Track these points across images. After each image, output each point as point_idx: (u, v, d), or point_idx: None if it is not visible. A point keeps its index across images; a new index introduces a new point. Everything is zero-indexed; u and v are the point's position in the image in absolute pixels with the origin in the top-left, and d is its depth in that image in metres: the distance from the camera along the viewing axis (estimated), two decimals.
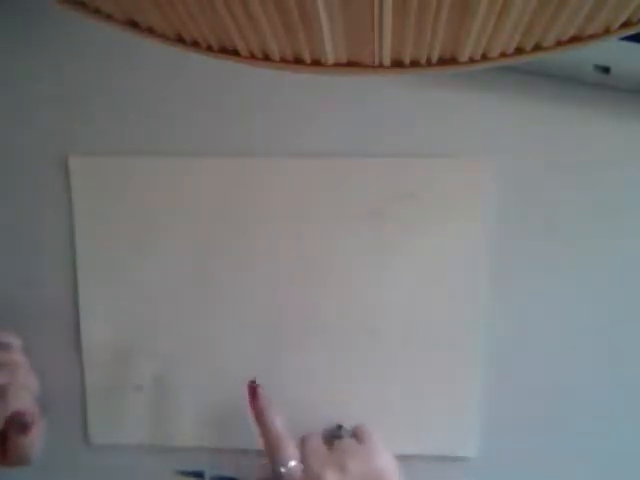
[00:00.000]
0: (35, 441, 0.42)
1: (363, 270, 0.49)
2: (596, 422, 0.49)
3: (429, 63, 0.23)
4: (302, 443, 0.46)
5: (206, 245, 0.50)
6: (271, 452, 0.45)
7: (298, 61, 0.23)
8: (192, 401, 0.51)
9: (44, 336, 0.51)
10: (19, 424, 0.41)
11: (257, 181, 0.49)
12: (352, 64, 0.24)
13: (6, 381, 0.42)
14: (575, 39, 0.23)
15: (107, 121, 0.50)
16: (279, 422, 0.46)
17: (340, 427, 0.49)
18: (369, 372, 0.50)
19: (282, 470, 0.44)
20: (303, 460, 0.45)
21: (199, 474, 0.51)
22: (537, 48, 0.23)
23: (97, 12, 0.24)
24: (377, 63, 0.23)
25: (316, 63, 0.23)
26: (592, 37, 0.22)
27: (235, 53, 0.24)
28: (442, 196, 0.48)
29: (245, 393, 0.49)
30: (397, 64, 0.23)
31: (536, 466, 0.50)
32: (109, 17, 0.24)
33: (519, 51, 0.23)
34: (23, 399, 0.42)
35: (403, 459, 0.51)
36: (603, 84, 0.45)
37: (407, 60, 0.23)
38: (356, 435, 0.47)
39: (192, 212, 0.50)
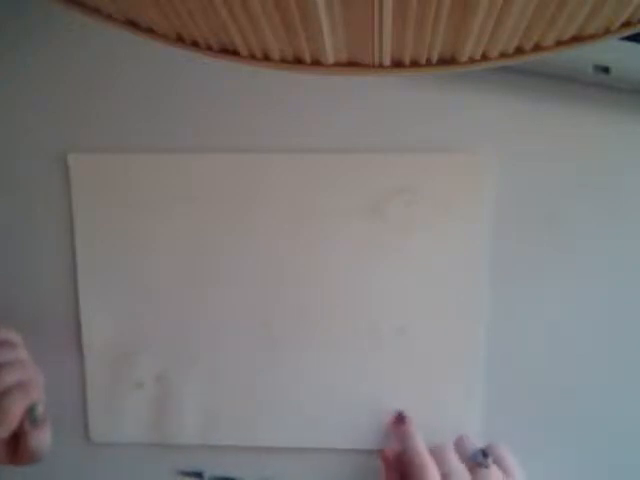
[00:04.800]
0: (47, 436, 0.42)
1: (362, 266, 0.49)
2: (596, 419, 0.49)
3: (429, 63, 0.23)
4: (443, 465, 0.45)
5: (206, 243, 0.50)
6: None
7: (298, 61, 0.23)
8: (193, 399, 0.51)
9: (44, 336, 0.51)
10: (34, 417, 0.41)
11: (258, 178, 0.49)
12: (352, 64, 0.24)
13: (26, 377, 0.42)
14: (575, 39, 0.23)
15: (106, 118, 0.50)
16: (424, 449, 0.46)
17: (484, 454, 0.46)
18: (369, 370, 0.50)
19: None
20: None
21: (198, 474, 0.52)
22: (537, 48, 0.23)
23: (97, 12, 0.24)
24: (377, 63, 0.23)
25: (316, 63, 0.23)
26: (592, 37, 0.22)
27: (235, 53, 0.24)
28: (442, 192, 0.48)
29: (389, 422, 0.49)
30: (397, 64, 0.23)
31: (537, 462, 0.50)
32: (109, 17, 0.24)
33: (519, 51, 0.23)
34: (39, 394, 0.43)
35: None
36: (603, 84, 0.45)
37: (407, 60, 0.23)
38: (500, 464, 0.46)
39: (192, 209, 0.50)
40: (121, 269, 0.51)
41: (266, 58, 0.24)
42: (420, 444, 0.46)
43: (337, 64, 0.23)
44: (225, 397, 0.51)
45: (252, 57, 0.24)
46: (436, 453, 0.46)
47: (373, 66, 0.23)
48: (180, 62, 0.48)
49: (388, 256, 0.49)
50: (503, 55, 0.23)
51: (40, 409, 0.41)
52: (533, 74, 0.46)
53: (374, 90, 0.48)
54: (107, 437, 0.53)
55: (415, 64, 0.23)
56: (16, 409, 0.40)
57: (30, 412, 0.41)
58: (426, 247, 0.48)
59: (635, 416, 0.49)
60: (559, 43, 0.23)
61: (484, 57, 0.23)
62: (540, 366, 0.49)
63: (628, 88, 0.45)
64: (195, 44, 0.24)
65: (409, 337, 0.49)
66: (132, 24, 0.24)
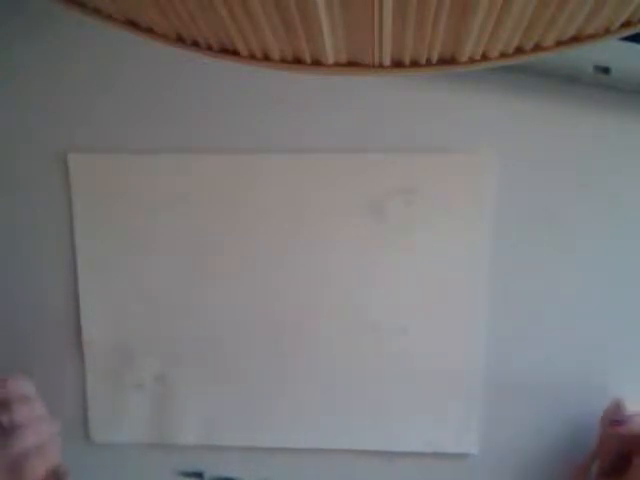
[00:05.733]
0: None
1: (363, 266, 0.49)
2: (595, 418, 0.49)
3: (429, 63, 0.23)
4: None
5: (206, 243, 0.50)
6: None
7: (298, 61, 0.23)
8: (193, 399, 0.51)
9: (45, 336, 0.51)
10: (59, 478, 0.41)
11: (257, 178, 0.49)
12: (352, 64, 0.24)
13: (44, 437, 0.41)
14: (575, 39, 0.23)
15: (106, 118, 0.50)
16: None
17: None
18: (370, 369, 0.50)
19: None
20: None
21: (198, 474, 0.52)
22: (537, 48, 0.23)
23: (97, 12, 0.24)
24: (377, 63, 0.23)
25: (316, 63, 0.23)
26: (592, 37, 0.22)
27: (235, 53, 0.24)
28: (442, 192, 0.48)
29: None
30: (397, 64, 0.23)
31: (535, 462, 0.50)
32: (109, 17, 0.24)
33: (519, 51, 0.23)
34: (57, 453, 0.43)
35: (404, 456, 0.51)
36: (603, 84, 0.45)
37: (407, 60, 0.23)
38: None
39: (192, 209, 0.50)
40: (121, 269, 0.51)
41: (266, 58, 0.24)
42: None
43: (337, 64, 0.23)
44: (225, 397, 0.51)
45: (252, 57, 0.24)
46: None
47: (373, 66, 0.23)
48: (180, 62, 0.48)
49: (388, 256, 0.49)
50: (503, 55, 0.23)
51: (62, 469, 0.42)
52: (533, 74, 0.46)
53: (374, 90, 0.48)
54: (107, 437, 0.53)
55: (415, 64, 0.23)
56: (36, 473, 0.40)
57: (55, 474, 0.41)
58: (426, 247, 0.48)
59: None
60: (559, 43, 0.23)
61: (484, 57, 0.23)
62: (539, 366, 0.49)
63: (628, 88, 0.45)
64: (195, 44, 0.24)
65: (410, 337, 0.49)
66: (132, 24, 0.24)
